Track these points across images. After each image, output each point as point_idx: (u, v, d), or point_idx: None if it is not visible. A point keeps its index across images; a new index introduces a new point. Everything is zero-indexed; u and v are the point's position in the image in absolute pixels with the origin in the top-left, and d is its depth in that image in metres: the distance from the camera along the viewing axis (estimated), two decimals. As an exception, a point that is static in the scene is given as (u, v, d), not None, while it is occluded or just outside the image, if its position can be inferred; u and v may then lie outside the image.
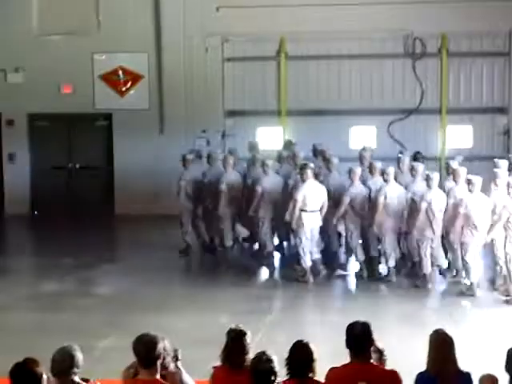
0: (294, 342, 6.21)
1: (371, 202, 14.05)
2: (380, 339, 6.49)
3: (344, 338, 6.19)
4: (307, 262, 14.15)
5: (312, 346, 6.12)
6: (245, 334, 6.49)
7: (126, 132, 20.19)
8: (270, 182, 15.09)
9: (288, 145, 17.65)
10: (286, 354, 6.15)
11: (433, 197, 13.38)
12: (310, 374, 6.06)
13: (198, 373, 6.73)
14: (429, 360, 6.37)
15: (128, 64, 21.14)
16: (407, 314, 12.24)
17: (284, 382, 6.06)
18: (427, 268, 13.55)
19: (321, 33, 20.35)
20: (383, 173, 14.00)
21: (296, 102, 20.91)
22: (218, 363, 6.53)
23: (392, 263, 14.02)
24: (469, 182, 13.10)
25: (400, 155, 15.96)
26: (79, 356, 6.03)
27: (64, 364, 5.96)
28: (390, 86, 20.83)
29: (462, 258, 13.26)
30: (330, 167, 14.95)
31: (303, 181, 14.07)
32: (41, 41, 20.90)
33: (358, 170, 14.35)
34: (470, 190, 13.01)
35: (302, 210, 14.00)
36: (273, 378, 5.81)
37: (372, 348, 6.15)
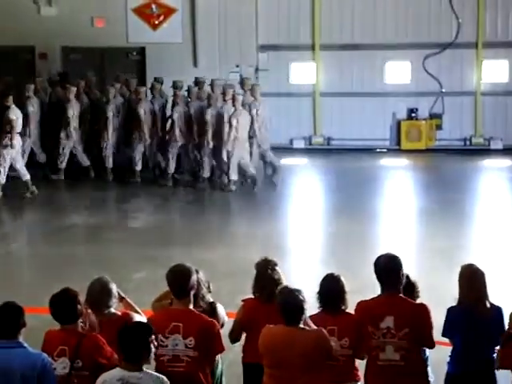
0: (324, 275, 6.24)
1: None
2: (412, 272, 6.51)
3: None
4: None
5: (342, 278, 6.15)
6: (275, 264, 6.49)
7: (159, 65, 20.11)
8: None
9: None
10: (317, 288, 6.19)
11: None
12: (342, 307, 6.11)
13: (225, 304, 6.76)
14: (460, 294, 6.37)
15: (161, -3, 21.02)
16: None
17: (316, 314, 6.10)
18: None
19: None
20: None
21: (330, 36, 20.70)
22: (247, 296, 6.56)
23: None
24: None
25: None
26: (114, 288, 6.12)
27: (101, 296, 6.03)
28: (426, 20, 20.53)
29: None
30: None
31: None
32: (73, -27, 20.82)
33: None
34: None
35: None
36: (299, 310, 5.78)
37: (404, 281, 6.15)
